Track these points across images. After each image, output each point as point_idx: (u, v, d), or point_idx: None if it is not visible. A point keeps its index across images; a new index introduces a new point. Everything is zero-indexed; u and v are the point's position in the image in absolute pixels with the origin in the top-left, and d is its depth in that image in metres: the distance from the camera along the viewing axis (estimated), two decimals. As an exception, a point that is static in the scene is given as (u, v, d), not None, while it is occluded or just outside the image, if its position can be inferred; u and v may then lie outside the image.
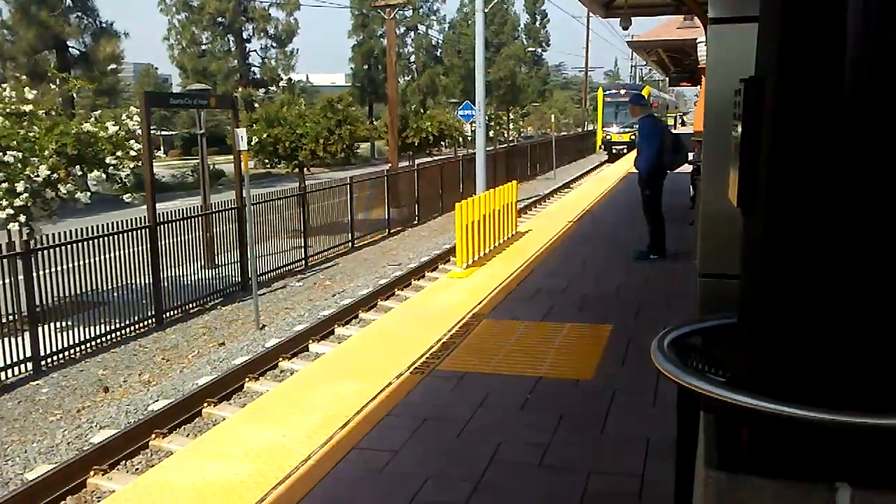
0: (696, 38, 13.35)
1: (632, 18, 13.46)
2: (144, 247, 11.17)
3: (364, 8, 46.43)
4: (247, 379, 8.41)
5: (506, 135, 48.26)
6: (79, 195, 10.43)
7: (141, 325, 10.86)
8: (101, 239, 10.24)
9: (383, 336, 7.02)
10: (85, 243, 9.98)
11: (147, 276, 11.19)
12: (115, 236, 10.52)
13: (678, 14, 14.82)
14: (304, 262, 15.30)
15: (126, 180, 11.21)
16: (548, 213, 16.43)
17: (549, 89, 75.54)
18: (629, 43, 21.69)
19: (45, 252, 9.49)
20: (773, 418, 1.20)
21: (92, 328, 10.05)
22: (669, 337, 1.67)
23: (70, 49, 32.25)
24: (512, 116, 50.69)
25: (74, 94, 25.19)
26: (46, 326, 9.39)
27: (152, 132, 13.49)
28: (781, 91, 1.23)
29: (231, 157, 16.97)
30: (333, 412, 4.97)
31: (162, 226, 11.57)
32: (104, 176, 10.76)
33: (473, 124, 21.11)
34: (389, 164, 23.08)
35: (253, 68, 43.57)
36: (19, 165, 9.65)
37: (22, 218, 9.77)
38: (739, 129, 1.43)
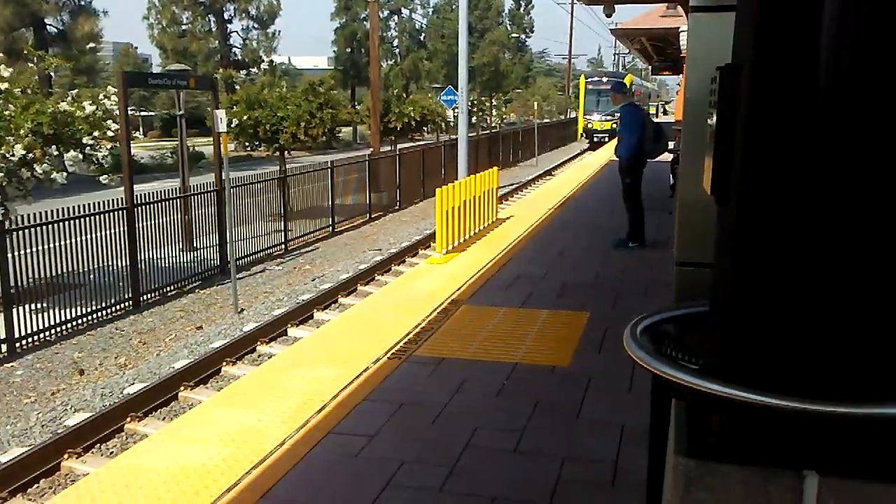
0: (678, 28, 13.39)
1: (615, 6, 13.43)
2: (122, 229, 11.07)
3: (347, -10, 46.08)
4: (224, 363, 8.37)
5: (489, 121, 48.16)
6: (55, 175, 10.28)
7: (118, 307, 10.77)
8: (77, 220, 10.13)
9: (362, 321, 7.00)
10: (61, 224, 9.86)
11: (124, 259, 11.09)
12: (92, 218, 10.41)
13: (661, 2, 14.84)
14: (283, 246, 15.23)
15: (103, 161, 11.07)
16: (529, 199, 16.44)
17: (533, 76, 75.46)
18: (612, 31, 21.67)
19: (20, 233, 9.37)
20: (743, 406, 1.20)
21: (68, 310, 9.95)
22: (643, 324, 1.67)
23: (48, 27, 31.80)
24: (495, 102, 50.56)
25: (52, 73, 24.87)
26: (21, 308, 9.29)
27: (131, 113, 13.37)
28: (757, 79, 1.22)
29: (211, 139, 16.80)
30: (310, 397, 4.96)
31: (140, 208, 11.45)
32: (81, 156, 10.62)
33: (456, 110, 21.05)
34: (371, 149, 22.97)
35: (234, 49, 43.13)
36: (-6, 144, 9.51)
37: (-4, 198, 9.64)
38: (714, 117, 1.42)
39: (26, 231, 9.41)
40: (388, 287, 8.98)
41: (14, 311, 9.12)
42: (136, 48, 61.64)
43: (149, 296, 11.42)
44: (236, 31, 43.24)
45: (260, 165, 26.67)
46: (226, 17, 42.39)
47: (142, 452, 4.31)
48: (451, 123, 29.66)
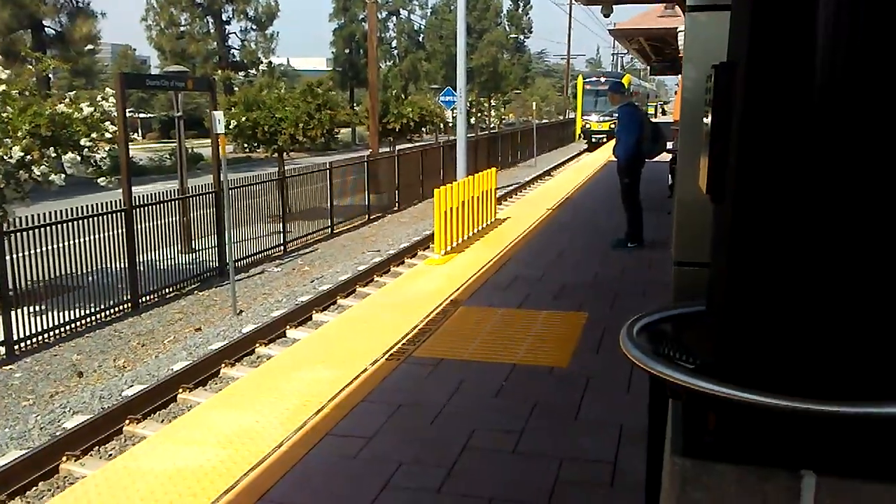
0: (676, 28, 13.37)
1: (613, 6, 13.45)
2: (120, 230, 11.06)
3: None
4: (223, 365, 8.35)
5: (487, 122, 48.18)
6: (53, 177, 10.26)
7: (116, 309, 10.76)
8: (75, 222, 10.12)
9: (360, 322, 7.00)
10: (59, 226, 9.85)
11: (123, 261, 11.08)
12: (90, 219, 10.39)
13: (660, 2, 14.84)
14: (282, 247, 15.21)
15: (101, 163, 11.06)
16: (527, 200, 16.44)
17: (531, 76, 75.47)
18: (611, 31, 21.68)
19: (18, 235, 9.36)
20: (739, 405, 1.19)
21: (66, 312, 9.93)
22: (639, 324, 1.66)
23: (46, 29, 31.73)
24: (493, 103, 50.60)
25: (50, 75, 24.86)
26: (20, 310, 9.27)
27: (130, 115, 13.36)
28: (752, 77, 1.22)
29: (209, 140, 16.80)
30: (308, 398, 4.95)
31: (138, 209, 11.44)
32: (79, 158, 10.61)
33: (455, 110, 21.04)
34: (370, 150, 22.97)
35: (233, 51, 43.13)
36: (-8, 146, 9.50)
37: (-6, 200, 9.62)
38: (710, 115, 1.41)
39: (25, 233, 9.40)
40: (387, 288, 8.98)
41: (13, 313, 9.11)
42: (135, 50, 61.69)
43: (147, 298, 11.41)
44: (235, 33, 43.33)
45: (259, 167, 26.66)
46: (224, 18, 42.40)
47: (139, 455, 4.30)
48: (450, 124, 29.68)
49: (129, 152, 12.03)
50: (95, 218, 10.47)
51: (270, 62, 43.23)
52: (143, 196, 11.85)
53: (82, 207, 10.32)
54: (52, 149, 10.23)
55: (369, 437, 4.29)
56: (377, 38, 25.96)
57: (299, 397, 4.98)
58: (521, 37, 67.26)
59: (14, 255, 9.28)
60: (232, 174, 12.32)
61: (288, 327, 9.69)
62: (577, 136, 42.39)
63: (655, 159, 9.79)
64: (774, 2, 1.18)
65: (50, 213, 9.78)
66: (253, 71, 42.43)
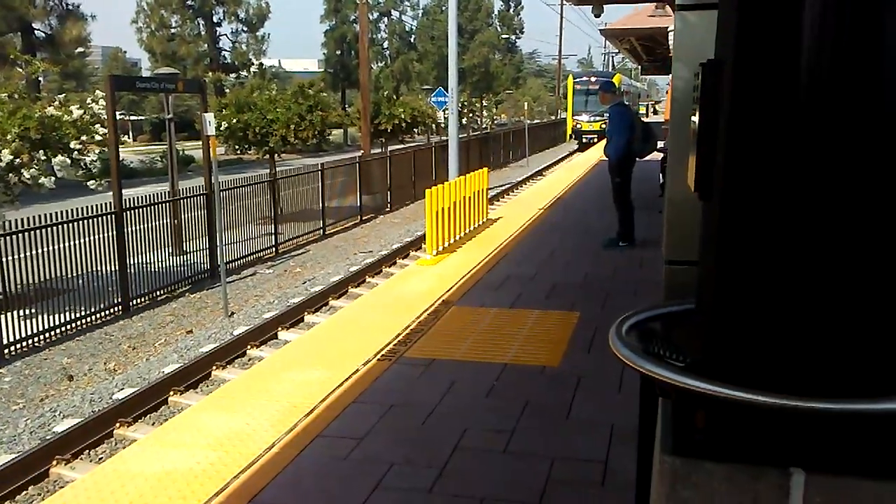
0: (667, 27, 13.41)
1: (604, 6, 13.47)
2: (111, 233, 11.01)
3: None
4: (214, 367, 8.33)
5: (479, 122, 48.17)
6: (43, 180, 10.23)
7: (107, 312, 10.70)
8: (65, 225, 10.06)
9: (352, 323, 6.98)
10: (49, 229, 9.80)
11: (113, 263, 11.03)
12: (81, 222, 10.34)
13: (650, 2, 14.87)
14: (274, 249, 15.18)
15: (91, 166, 11.02)
16: (519, 200, 16.45)
17: (523, 77, 75.58)
18: (602, 31, 21.73)
19: (8, 238, 9.30)
20: (728, 403, 1.19)
21: (56, 316, 9.88)
22: (629, 322, 1.66)
23: (35, 31, 31.60)
24: (485, 104, 50.61)
25: (40, 78, 24.73)
26: (9, 314, 9.22)
27: (121, 117, 13.32)
28: (739, 75, 1.22)
29: (200, 142, 16.75)
30: (299, 400, 4.94)
31: (128, 212, 11.40)
32: (69, 161, 10.57)
33: (446, 111, 21.04)
34: (362, 151, 22.94)
35: (223, 53, 43.03)
36: (-20, 150, 9.45)
37: (-17, 203, 9.58)
38: (697, 113, 1.41)
39: (14, 236, 9.34)
40: (379, 289, 8.96)
41: (2, 316, 9.05)
42: (126, 52, 61.49)
43: (138, 300, 11.36)
44: (225, 35, 43.23)
45: (250, 168, 26.59)
46: (215, 20, 42.31)
47: (129, 458, 4.27)
48: (442, 125, 29.68)
49: (120, 155, 11.98)
50: (86, 221, 10.42)
51: (261, 64, 43.14)
52: (132, 198, 11.80)
53: (73, 210, 10.27)
54: (41, 152, 10.20)
55: (360, 438, 4.27)
56: (368, 39, 25.94)
57: (290, 399, 4.97)
58: (513, 37, 67.34)
59: (4, 259, 9.22)
60: (223, 176, 12.28)
61: (279, 329, 9.66)
62: (568, 137, 42.08)
63: (646, 158, 9.80)
64: (761, 1, 1.18)
65: (40, 216, 9.73)
66: (244, 73, 42.32)
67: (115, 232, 11.05)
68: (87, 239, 10.46)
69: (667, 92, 24.19)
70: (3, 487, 5.83)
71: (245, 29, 42.81)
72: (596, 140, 35.11)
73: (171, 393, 7.61)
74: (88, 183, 10.87)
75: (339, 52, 50.94)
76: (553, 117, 56.57)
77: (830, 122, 1.13)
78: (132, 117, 50.95)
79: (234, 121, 17.83)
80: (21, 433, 7.06)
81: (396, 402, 4.83)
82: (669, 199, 2.82)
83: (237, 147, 19.30)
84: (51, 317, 9.79)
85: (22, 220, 9.50)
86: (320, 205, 17.18)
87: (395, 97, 31.04)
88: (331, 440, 4.29)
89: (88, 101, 11.05)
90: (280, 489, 3.76)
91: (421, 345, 5.97)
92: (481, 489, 3.69)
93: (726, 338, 1.27)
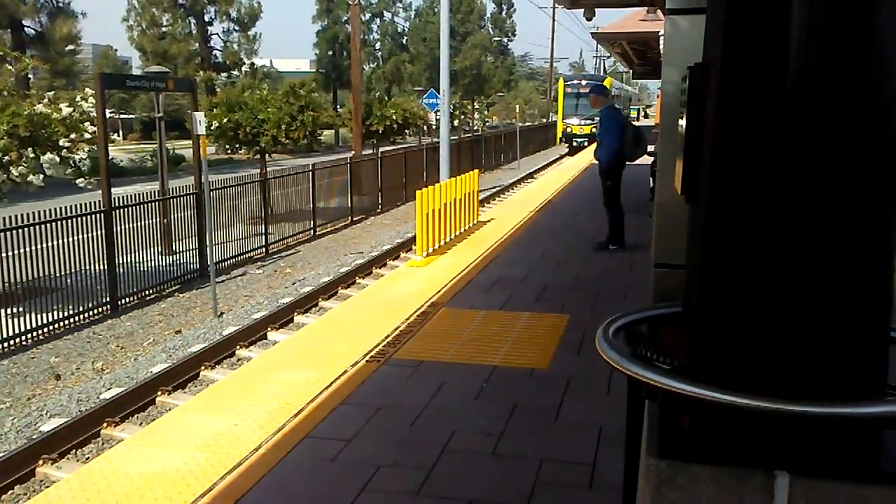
0: (658, 31, 13.44)
1: (596, 10, 13.49)
2: (100, 232, 10.96)
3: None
4: (202, 367, 8.30)
5: (471, 124, 48.22)
6: (32, 178, 10.18)
7: (95, 311, 10.65)
8: (54, 223, 10.01)
9: (341, 324, 6.97)
10: (38, 227, 9.74)
11: (102, 262, 10.97)
12: (69, 221, 10.29)
13: (641, 6, 14.89)
14: (264, 249, 15.14)
15: (81, 164, 10.96)
16: (510, 202, 16.46)
17: (515, 79, 75.66)
18: (593, 34, 21.78)
19: (-4, 236, 9.25)
20: (713, 406, 1.19)
21: (44, 315, 9.83)
22: (616, 325, 1.66)
23: (25, 28, 31.43)
24: (477, 106, 50.68)
25: (30, 76, 24.60)
26: (-4, 312, 9.16)
27: (111, 115, 13.26)
28: (726, 78, 1.22)
29: (191, 141, 16.71)
30: (287, 401, 4.92)
31: (117, 210, 11.34)
32: (58, 159, 10.51)
33: (438, 113, 21.04)
34: (353, 152, 22.91)
35: (215, 52, 42.88)
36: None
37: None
38: (685, 116, 1.42)
39: (2, 234, 9.28)
40: (368, 290, 8.95)
41: (-11, 315, 9.00)
42: (116, 50, 61.06)
43: (127, 300, 11.31)
44: (217, 34, 43.07)
45: (241, 168, 26.53)
46: (206, 19, 42.15)
47: (116, 457, 4.25)
48: (434, 126, 29.68)
49: (109, 153, 11.93)
50: (74, 219, 10.37)
51: (253, 63, 43.00)
52: (121, 197, 11.75)
53: (62, 208, 10.22)
54: (30, 149, 10.14)
55: (348, 440, 4.26)
56: (360, 40, 25.92)
57: (279, 399, 4.95)
58: (505, 40, 67.39)
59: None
60: (213, 175, 12.24)
61: (269, 329, 9.64)
62: (559, 140, 41.83)
63: (637, 162, 9.82)
64: (749, 5, 1.19)
65: (29, 214, 9.67)
66: (235, 72, 42.20)
67: (104, 231, 11.01)
68: (75, 237, 10.41)
69: (658, 96, 24.25)
70: (-11, 487, 5.79)
71: (236, 28, 42.69)
72: (587, 144, 34.96)
73: (159, 393, 7.58)
74: (77, 181, 10.81)
75: (331, 53, 50.87)
76: (545, 120, 56.67)
77: (817, 126, 1.13)
78: (122, 115, 50.72)
79: (225, 120, 17.78)
80: (7, 432, 7.02)
81: (385, 403, 4.83)
82: (659, 202, 2.81)
83: (228, 147, 19.25)
84: (39, 315, 9.73)
85: (10, 217, 9.44)
86: (311, 205, 17.15)
87: (386, 98, 31.02)
88: (318, 441, 4.28)
89: (78, 98, 11.00)
90: (267, 490, 3.74)
91: (410, 346, 5.97)
92: (469, 491, 3.69)
93: (712, 341, 1.27)
